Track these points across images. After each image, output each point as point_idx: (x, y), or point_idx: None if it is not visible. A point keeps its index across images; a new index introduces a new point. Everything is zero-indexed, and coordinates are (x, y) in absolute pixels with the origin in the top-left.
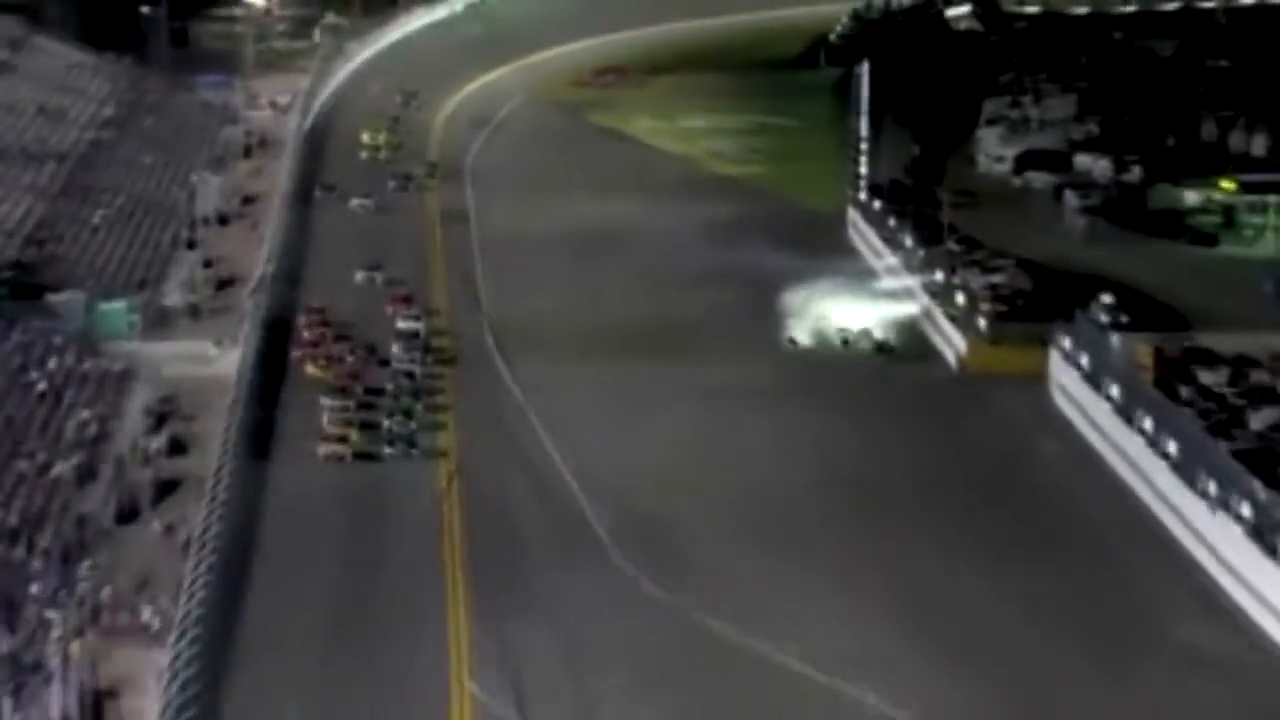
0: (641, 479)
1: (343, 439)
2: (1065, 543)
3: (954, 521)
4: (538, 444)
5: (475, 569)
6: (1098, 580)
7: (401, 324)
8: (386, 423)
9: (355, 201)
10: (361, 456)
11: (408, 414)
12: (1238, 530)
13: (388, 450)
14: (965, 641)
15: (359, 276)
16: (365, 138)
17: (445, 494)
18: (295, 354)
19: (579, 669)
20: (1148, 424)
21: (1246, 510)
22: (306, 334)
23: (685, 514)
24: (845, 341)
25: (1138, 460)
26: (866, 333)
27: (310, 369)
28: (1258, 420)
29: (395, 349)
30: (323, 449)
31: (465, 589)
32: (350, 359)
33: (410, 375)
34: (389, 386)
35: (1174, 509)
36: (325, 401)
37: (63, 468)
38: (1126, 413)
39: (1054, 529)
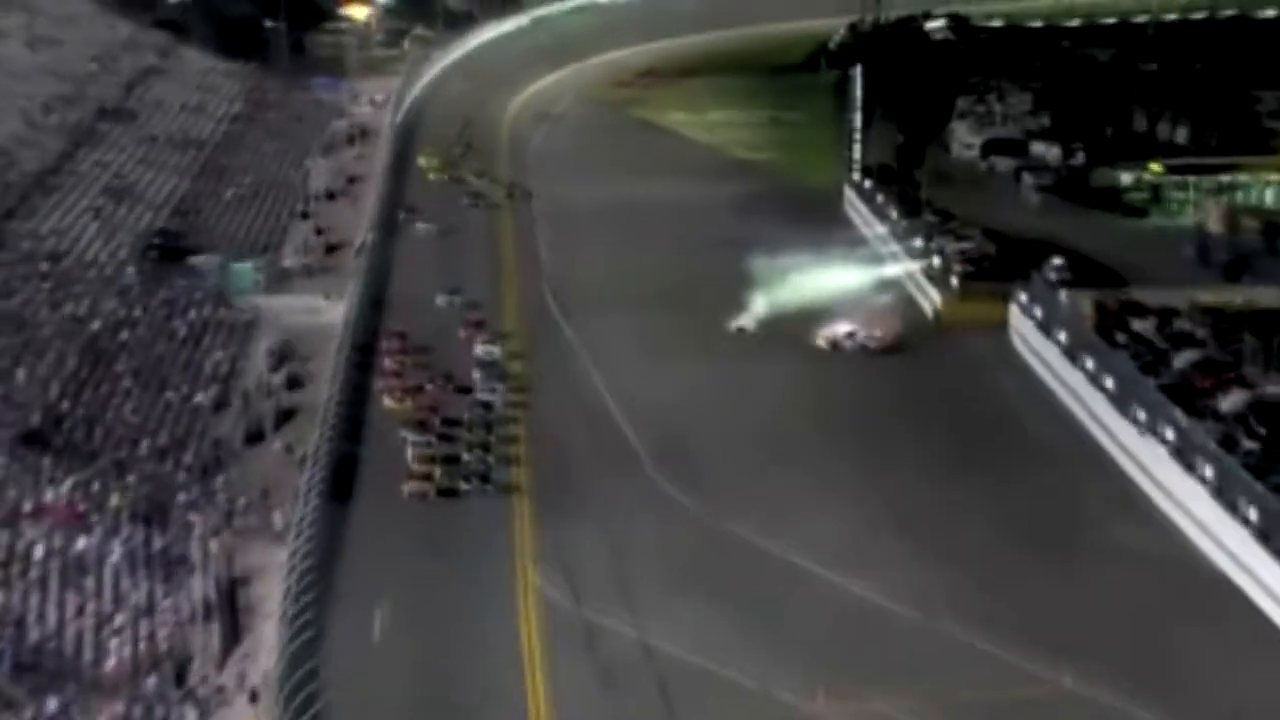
0: (674, 410)
1: (427, 476)
2: (1020, 459)
3: (930, 443)
4: (587, 379)
5: (537, 482)
6: (1045, 489)
7: (480, 350)
8: (465, 456)
9: (421, 225)
10: (445, 493)
11: (485, 448)
12: (1162, 450)
13: (464, 486)
14: (935, 538)
15: (440, 300)
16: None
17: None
18: (377, 385)
19: (622, 563)
20: (1089, 363)
21: (1170, 434)
22: (388, 361)
23: (709, 438)
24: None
25: (1081, 393)
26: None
27: (388, 402)
28: (1179, 360)
29: (475, 376)
30: (407, 486)
31: (529, 498)
32: (430, 387)
33: (487, 406)
34: (466, 417)
35: (1110, 433)
36: (407, 436)
37: (202, 398)
38: (1072, 354)
39: (1011, 448)
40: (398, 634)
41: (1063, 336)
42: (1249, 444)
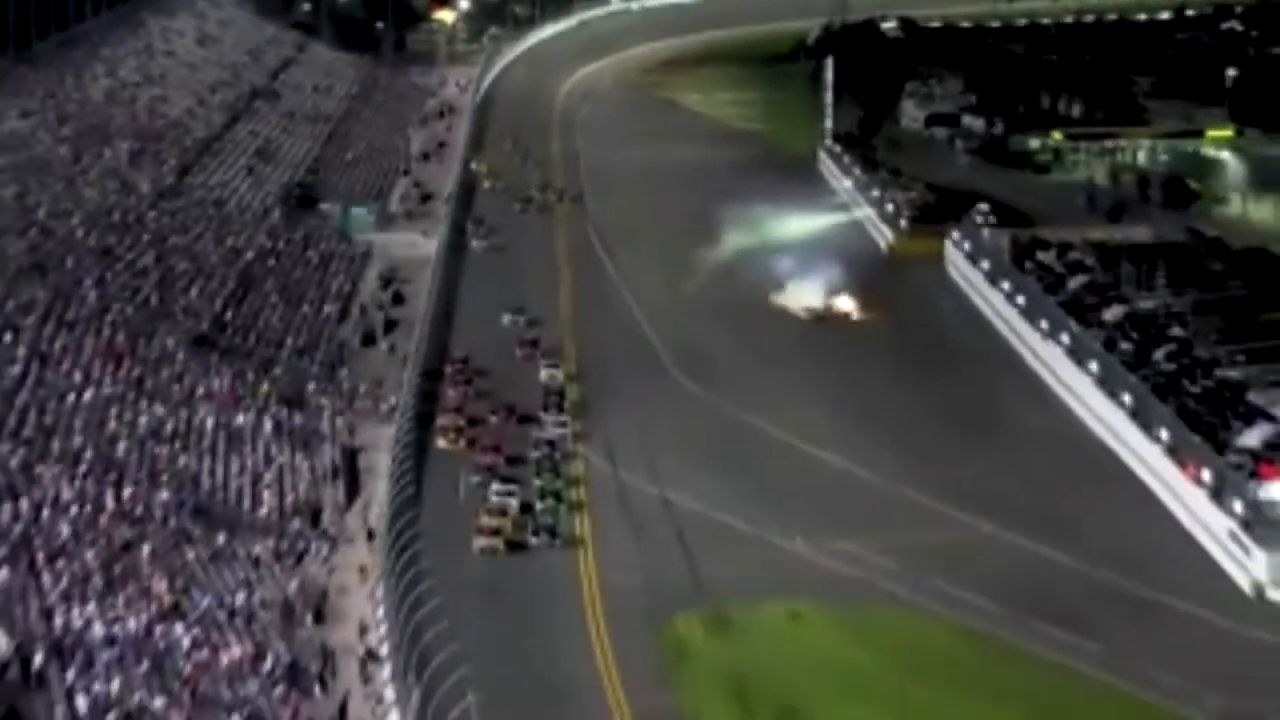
0: (691, 322)
1: (497, 531)
2: (953, 363)
3: (883, 348)
4: (619, 294)
5: (581, 378)
6: (973, 386)
7: (544, 375)
8: (539, 505)
9: (476, 243)
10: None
11: (557, 496)
12: (1060, 352)
13: (534, 540)
14: (890, 423)
15: (505, 319)
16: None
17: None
18: (440, 421)
19: (648, 438)
20: (1006, 286)
21: (1065, 339)
22: (451, 393)
23: (717, 344)
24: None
25: (1000, 310)
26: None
27: (442, 443)
28: (1073, 282)
29: (541, 415)
30: (479, 542)
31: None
32: (493, 419)
33: (552, 444)
34: (533, 455)
35: (1022, 340)
36: (476, 481)
37: (328, 311)
38: (993, 279)
39: (946, 354)
40: (476, 497)
41: (986, 265)
42: (1126, 346)
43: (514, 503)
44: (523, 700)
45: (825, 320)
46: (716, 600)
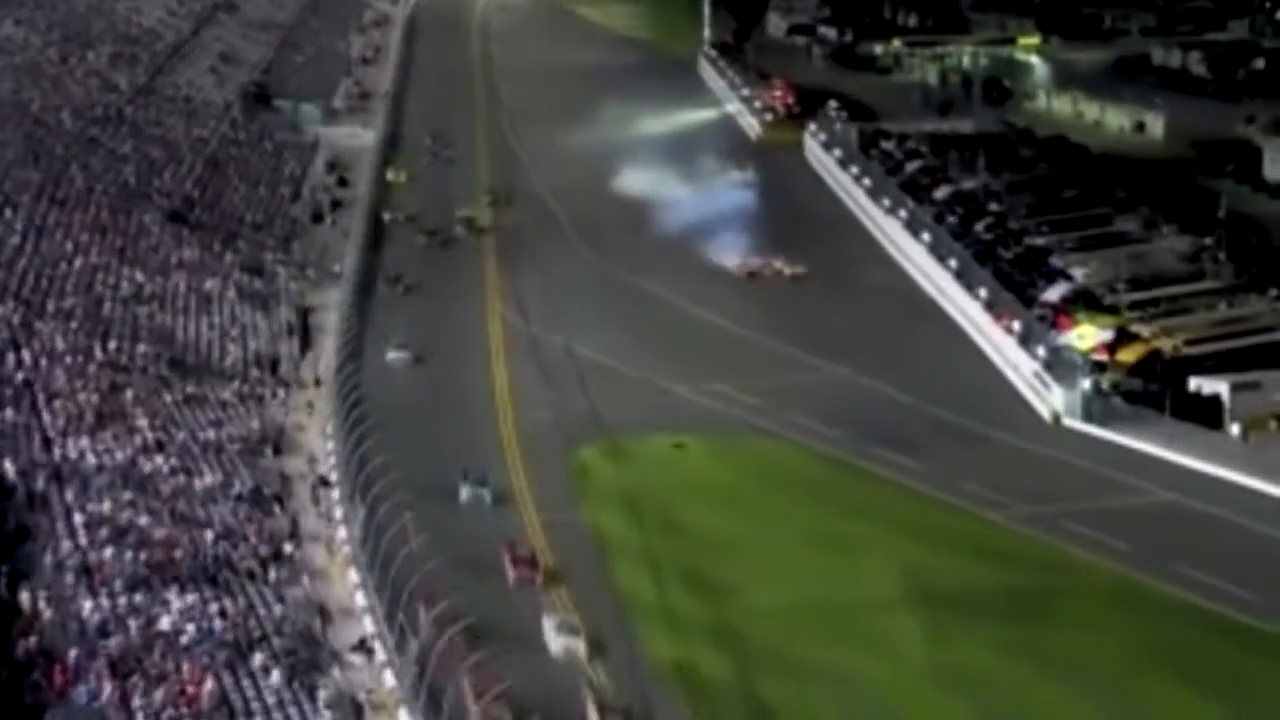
0: (587, 194)
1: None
2: (812, 233)
3: (752, 220)
4: (524, 171)
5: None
6: (830, 251)
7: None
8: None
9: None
10: None
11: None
12: (898, 224)
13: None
14: (753, 284)
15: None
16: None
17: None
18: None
19: (555, 295)
20: (854, 169)
21: (903, 213)
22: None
23: (610, 217)
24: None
25: (850, 189)
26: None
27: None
28: (910, 166)
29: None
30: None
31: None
32: None
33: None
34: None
35: (868, 214)
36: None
37: (283, 191)
38: (844, 164)
39: (806, 226)
40: (411, 354)
41: (838, 152)
42: (952, 219)
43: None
44: (455, 516)
45: None
46: (614, 434)
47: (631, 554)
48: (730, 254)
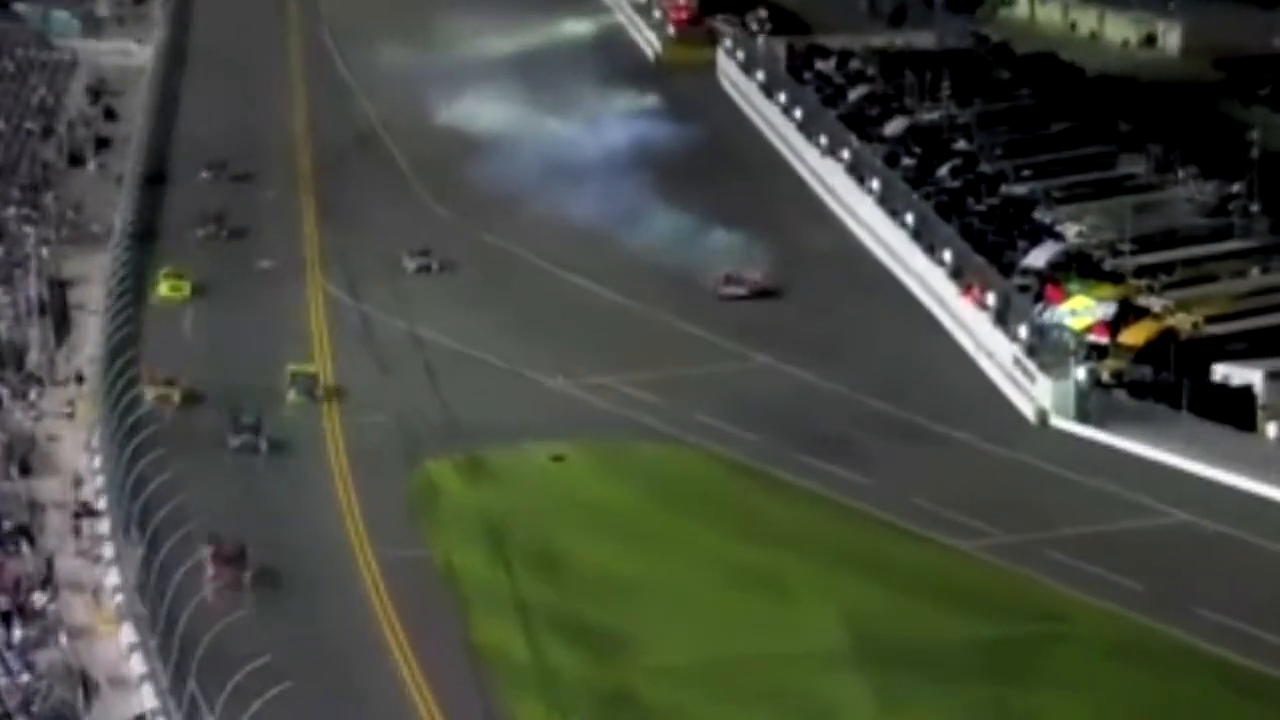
0: (435, 131)
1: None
2: (728, 173)
3: (654, 158)
4: (353, 101)
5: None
6: (747, 206)
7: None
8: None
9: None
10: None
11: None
12: (839, 169)
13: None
14: (652, 246)
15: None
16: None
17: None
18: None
19: (395, 264)
20: (782, 97)
21: (845, 154)
22: None
23: (464, 161)
24: None
25: (775, 123)
26: None
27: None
28: (853, 94)
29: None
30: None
31: (315, 208)
32: None
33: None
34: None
35: (799, 156)
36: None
37: (30, 126)
38: (769, 91)
39: (718, 172)
40: (203, 333)
41: (760, 76)
42: (908, 161)
43: None
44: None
45: None
46: (472, 443)
47: (495, 600)
48: (617, 205)
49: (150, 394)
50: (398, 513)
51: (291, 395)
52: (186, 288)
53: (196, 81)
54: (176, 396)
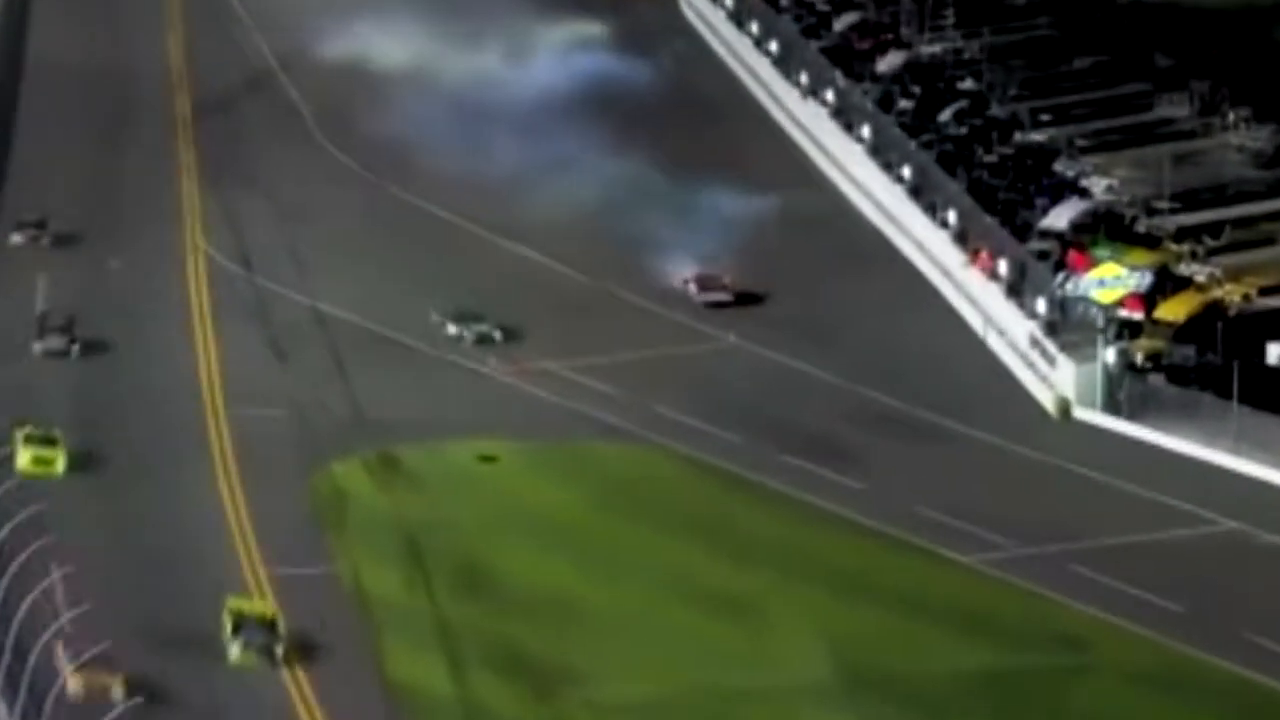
0: (339, 69)
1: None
2: (690, 119)
3: (606, 100)
4: (242, 34)
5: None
6: (714, 156)
7: None
8: None
9: None
10: None
11: None
12: (822, 113)
13: None
14: (601, 206)
15: None
16: None
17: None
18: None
19: (293, 227)
20: (755, 28)
21: (830, 96)
22: None
23: (374, 106)
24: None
25: (747, 59)
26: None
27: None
28: (839, 23)
29: None
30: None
31: (196, 161)
32: None
33: None
34: None
35: (776, 98)
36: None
37: None
38: (738, 19)
39: (680, 116)
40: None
41: (729, 1)
42: (905, 104)
43: None
44: (135, 588)
45: None
46: (386, 440)
47: (414, 625)
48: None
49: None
50: (297, 525)
51: (235, 651)
52: (59, 461)
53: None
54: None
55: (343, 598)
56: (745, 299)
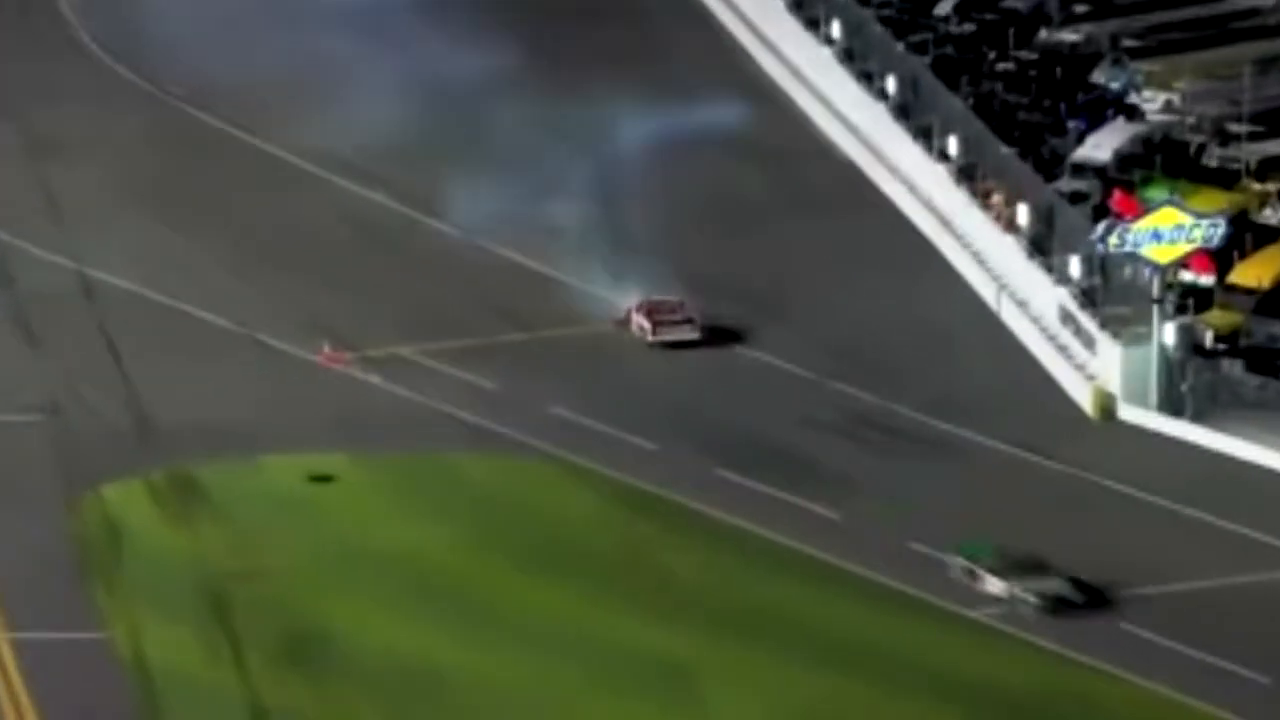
0: None
1: None
2: (606, 13)
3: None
4: None
5: None
6: (641, 48)
7: None
8: None
9: None
10: None
11: None
12: (779, 5)
13: None
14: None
15: None
16: None
17: None
18: None
19: (48, 164)
20: None
21: None
22: None
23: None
24: None
25: None
26: None
27: None
28: None
29: None
30: None
31: None
32: None
33: None
34: None
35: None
36: None
37: None
38: None
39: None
40: None
41: None
42: None
43: None
44: None
45: None
46: (179, 454)
47: (218, 710)
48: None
49: None
50: (51, 571)
51: None
52: None
53: None
54: None
55: (116, 673)
56: (721, 336)
